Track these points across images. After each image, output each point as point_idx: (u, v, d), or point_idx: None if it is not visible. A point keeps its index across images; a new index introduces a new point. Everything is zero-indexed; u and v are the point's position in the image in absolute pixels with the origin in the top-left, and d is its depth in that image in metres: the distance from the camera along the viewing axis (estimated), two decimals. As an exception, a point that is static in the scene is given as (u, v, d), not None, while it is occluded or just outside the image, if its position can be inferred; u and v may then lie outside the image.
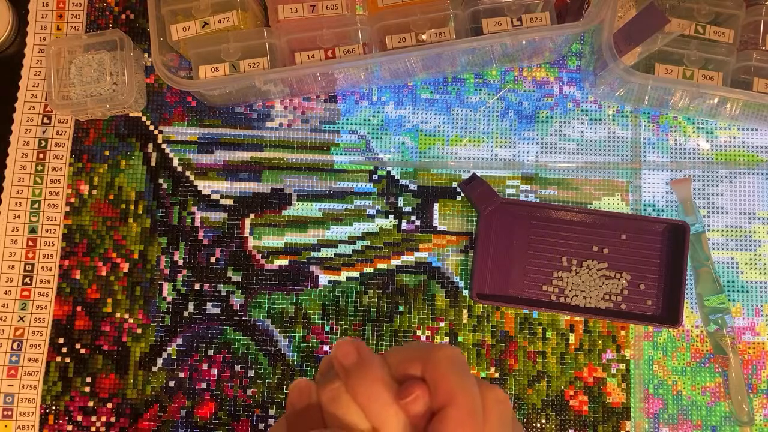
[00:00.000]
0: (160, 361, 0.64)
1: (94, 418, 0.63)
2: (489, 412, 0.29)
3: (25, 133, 0.67)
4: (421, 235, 0.66)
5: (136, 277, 0.65)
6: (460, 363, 0.30)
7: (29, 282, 0.65)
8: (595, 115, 0.67)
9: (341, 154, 0.67)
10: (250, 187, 0.66)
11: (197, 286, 0.65)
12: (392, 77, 0.66)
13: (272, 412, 0.63)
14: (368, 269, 0.65)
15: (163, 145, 0.67)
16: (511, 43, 0.60)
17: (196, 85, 0.60)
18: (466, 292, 0.65)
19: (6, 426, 0.62)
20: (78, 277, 0.65)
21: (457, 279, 0.65)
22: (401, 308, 0.65)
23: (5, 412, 0.63)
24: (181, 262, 0.65)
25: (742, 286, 0.65)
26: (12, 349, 0.64)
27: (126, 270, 0.65)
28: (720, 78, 0.60)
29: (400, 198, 0.66)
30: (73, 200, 0.66)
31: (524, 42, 0.61)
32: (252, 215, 0.66)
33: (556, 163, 0.67)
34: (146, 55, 0.68)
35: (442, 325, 0.64)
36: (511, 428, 0.31)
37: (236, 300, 0.65)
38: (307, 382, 0.32)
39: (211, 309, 0.65)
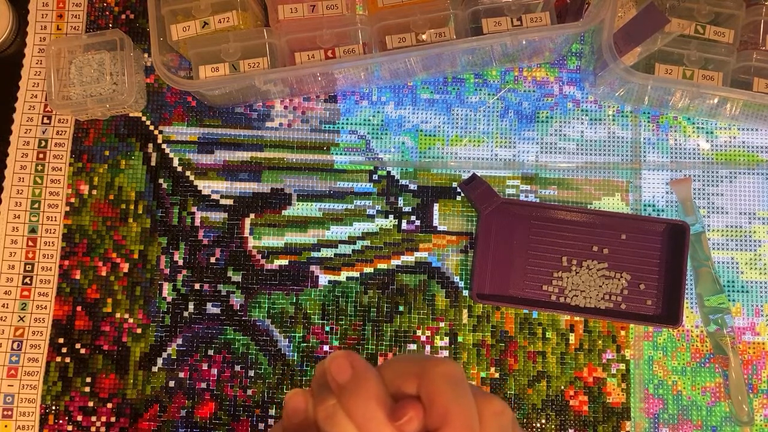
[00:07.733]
0: (160, 361, 0.64)
1: (94, 418, 0.63)
2: (487, 427, 0.29)
3: (25, 133, 0.67)
4: (421, 235, 0.66)
5: (136, 277, 0.65)
6: (456, 379, 0.29)
7: (29, 282, 0.65)
8: (595, 115, 0.67)
9: (341, 154, 0.67)
10: (250, 187, 0.66)
11: (197, 286, 0.65)
12: (392, 77, 0.66)
13: (272, 412, 0.63)
14: (368, 269, 0.65)
15: (163, 145, 0.67)
16: (511, 43, 0.60)
17: (196, 85, 0.60)
18: (466, 292, 0.65)
19: (6, 426, 0.62)
20: (78, 277, 0.65)
21: (457, 279, 0.65)
22: (401, 308, 0.65)
23: (5, 412, 0.63)
24: (181, 262, 0.65)
25: (742, 286, 0.65)
26: (12, 349, 0.64)
27: (126, 270, 0.65)
28: (720, 78, 0.60)
29: (400, 198, 0.66)
30: (73, 200, 0.66)
31: (524, 42, 0.61)
32: (252, 215, 0.66)
33: (556, 163, 0.67)
34: (146, 55, 0.68)
35: (442, 325, 0.64)
36: None
37: (236, 300, 0.65)
38: (304, 395, 0.31)
39: (211, 309, 0.65)
